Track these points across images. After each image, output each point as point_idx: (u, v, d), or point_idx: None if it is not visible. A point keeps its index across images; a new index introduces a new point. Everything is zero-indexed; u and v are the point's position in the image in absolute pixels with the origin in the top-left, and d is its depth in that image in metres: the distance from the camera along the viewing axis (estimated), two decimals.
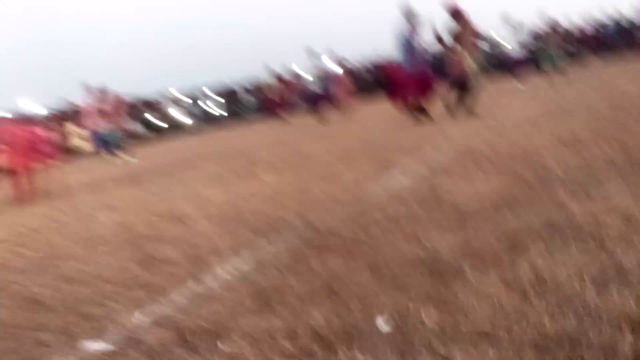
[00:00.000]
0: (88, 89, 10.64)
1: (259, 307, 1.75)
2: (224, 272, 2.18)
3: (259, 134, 12.04)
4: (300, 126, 12.44)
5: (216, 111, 21.70)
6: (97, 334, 1.77)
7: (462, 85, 7.08)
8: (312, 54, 12.54)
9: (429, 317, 1.46)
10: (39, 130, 7.75)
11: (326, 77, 12.51)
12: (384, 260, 1.98)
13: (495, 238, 2.01)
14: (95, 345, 1.70)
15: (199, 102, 21.56)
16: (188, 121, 20.89)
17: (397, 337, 1.39)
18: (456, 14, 7.10)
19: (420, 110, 7.67)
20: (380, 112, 12.01)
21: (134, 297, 2.08)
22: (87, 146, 15.72)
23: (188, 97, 21.46)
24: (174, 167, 7.40)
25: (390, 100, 8.11)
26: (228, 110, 21.90)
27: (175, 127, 20.35)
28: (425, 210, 2.58)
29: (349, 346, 1.38)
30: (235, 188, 4.41)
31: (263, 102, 19.72)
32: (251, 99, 22.35)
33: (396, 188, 3.22)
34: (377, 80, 21.66)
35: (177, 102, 21.04)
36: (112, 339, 1.72)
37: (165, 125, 20.03)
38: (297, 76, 15.28)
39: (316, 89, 12.68)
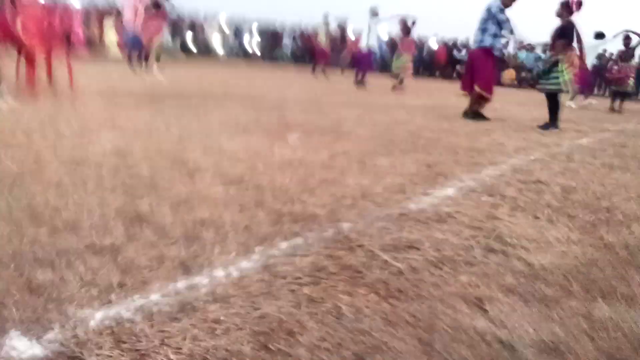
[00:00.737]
0: None
1: None
2: (229, 270, 1.66)
3: (295, 84, 11.36)
4: (338, 86, 11.72)
5: (253, 48, 20.87)
6: None
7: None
8: (375, 15, 11.54)
9: None
10: (69, 17, 7.14)
11: (386, 43, 11.69)
12: (431, 325, 1.45)
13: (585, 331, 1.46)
14: None
15: (241, 35, 20.69)
16: (221, 51, 20.08)
17: None
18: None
19: (480, 104, 7.00)
20: (439, 95, 11.23)
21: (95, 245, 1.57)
22: (117, 50, 15.13)
23: (231, 27, 20.60)
24: (198, 99, 6.83)
25: (463, 85, 7.32)
26: (264, 49, 21.09)
27: (208, 53, 19.54)
28: (485, 257, 2.02)
29: None
30: (257, 145, 3.85)
31: (307, 49, 18.95)
32: (290, 44, 21.52)
33: (445, 209, 2.62)
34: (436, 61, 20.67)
35: (219, 30, 20.15)
36: None
37: (195, 50, 19.19)
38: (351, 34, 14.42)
39: (369, 51, 11.76)
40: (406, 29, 11.48)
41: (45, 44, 6.11)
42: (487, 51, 6.83)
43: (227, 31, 20.17)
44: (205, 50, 19.47)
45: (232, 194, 2.53)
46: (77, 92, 5.96)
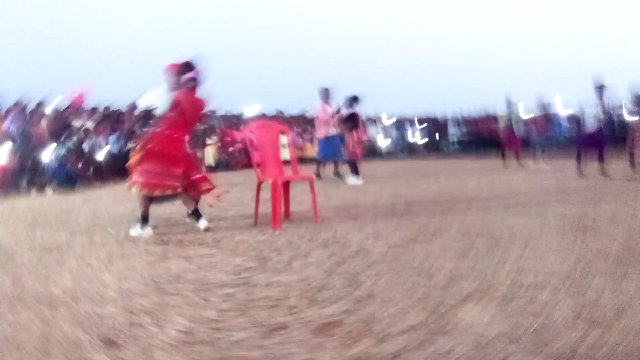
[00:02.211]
0: (324, 95, 9.77)
1: None
2: None
3: (506, 178, 9.74)
4: (554, 175, 9.73)
5: (417, 140, 20.28)
6: None
7: None
8: (600, 84, 9.13)
9: None
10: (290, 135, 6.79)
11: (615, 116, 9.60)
12: None
13: None
14: None
15: (403, 129, 20.37)
16: (384, 147, 19.72)
17: None
18: None
19: None
20: None
21: None
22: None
23: (393, 123, 20.44)
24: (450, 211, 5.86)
25: None
26: (428, 141, 20.35)
27: (372, 150, 19.24)
28: None
29: None
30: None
31: (483, 136, 17.75)
32: (458, 132, 20.58)
33: None
34: None
35: (382, 126, 20.07)
36: None
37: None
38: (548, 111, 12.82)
39: (594, 128, 9.17)
40: None
41: (280, 169, 5.70)
42: None
43: (389, 128, 19.94)
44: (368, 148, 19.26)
45: None
46: (319, 214, 5.33)
